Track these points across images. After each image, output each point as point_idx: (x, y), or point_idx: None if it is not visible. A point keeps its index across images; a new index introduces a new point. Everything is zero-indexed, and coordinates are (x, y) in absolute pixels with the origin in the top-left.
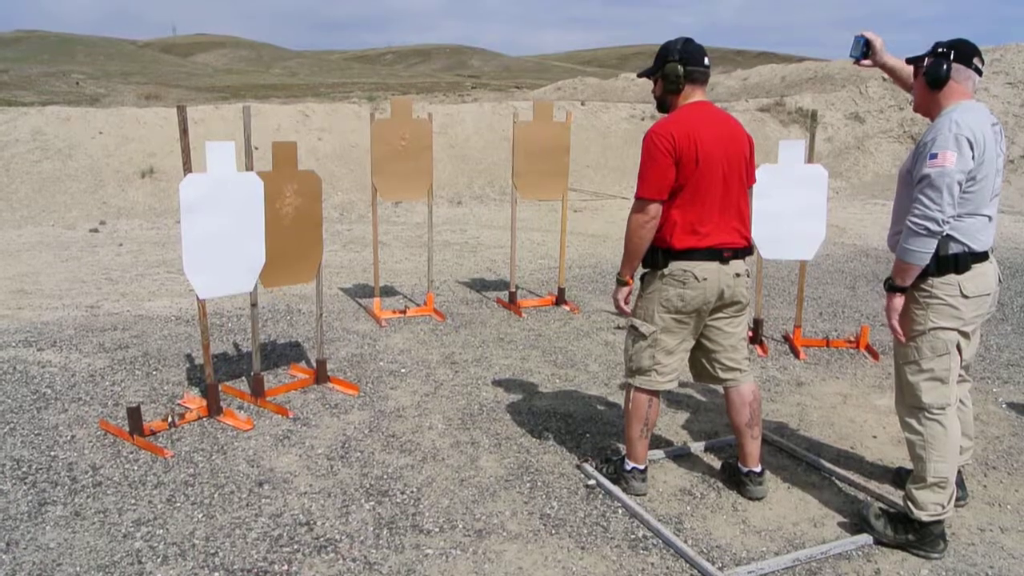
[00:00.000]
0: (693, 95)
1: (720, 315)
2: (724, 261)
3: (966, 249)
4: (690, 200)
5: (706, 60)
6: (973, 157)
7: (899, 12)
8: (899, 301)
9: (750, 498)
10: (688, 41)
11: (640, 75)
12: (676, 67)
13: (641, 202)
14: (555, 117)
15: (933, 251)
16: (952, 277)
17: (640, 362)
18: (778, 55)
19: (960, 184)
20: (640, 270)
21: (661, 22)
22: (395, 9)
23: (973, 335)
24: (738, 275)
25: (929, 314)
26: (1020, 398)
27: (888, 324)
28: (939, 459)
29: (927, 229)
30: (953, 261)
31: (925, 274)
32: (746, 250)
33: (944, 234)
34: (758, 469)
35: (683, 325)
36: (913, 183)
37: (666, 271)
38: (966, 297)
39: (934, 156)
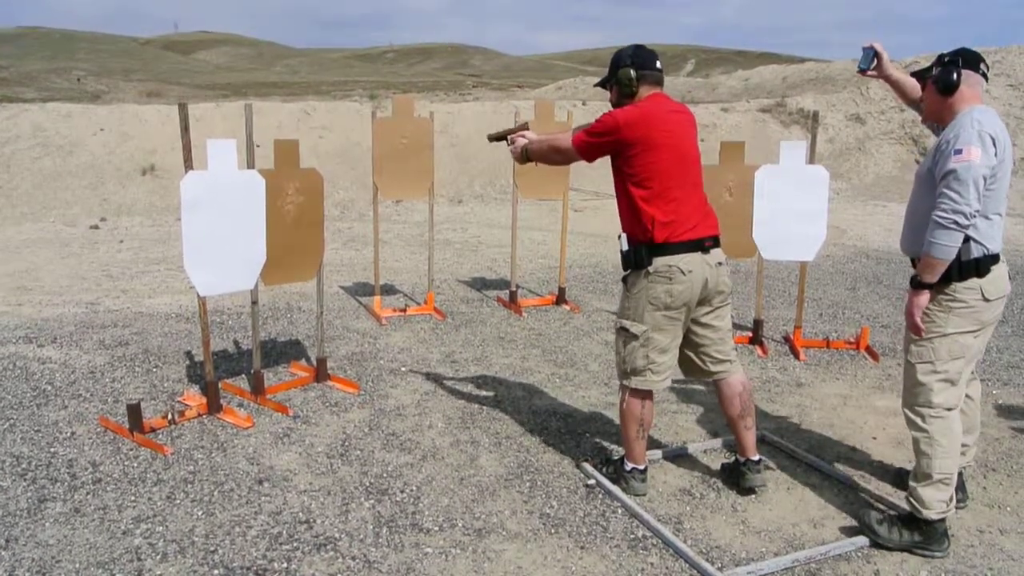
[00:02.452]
0: (651, 92)
1: (706, 308)
2: (705, 251)
3: (985, 252)
4: (666, 192)
5: (658, 63)
6: (996, 154)
7: (903, 14)
8: (924, 298)
9: (750, 487)
10: (639, 47)
11: (596, 85)
12: (628, 71)
13: (574, 147)
14: (556, 116)
15: (959, 245)
16: (975, 281)
17: (634, 363)
18: (780, 56)
19: (985, 179)
20: (623, 271)
21: (663, 23)
22: (397, 8)
23: (984, 334)
24: (720, 264)
25: (951, 317)
26: (1020, 400)
27: (909, 321)
28: (944, 455)
29: (955, 223)
30: (975, 265)
31: (948, 279)
32: (718, 238)
33: (970, 228)
34: (755, 458)
35: (674, 321)
36: (936, 181)
37: (651, 268)
38: (987, 301)
39: (959, 151)
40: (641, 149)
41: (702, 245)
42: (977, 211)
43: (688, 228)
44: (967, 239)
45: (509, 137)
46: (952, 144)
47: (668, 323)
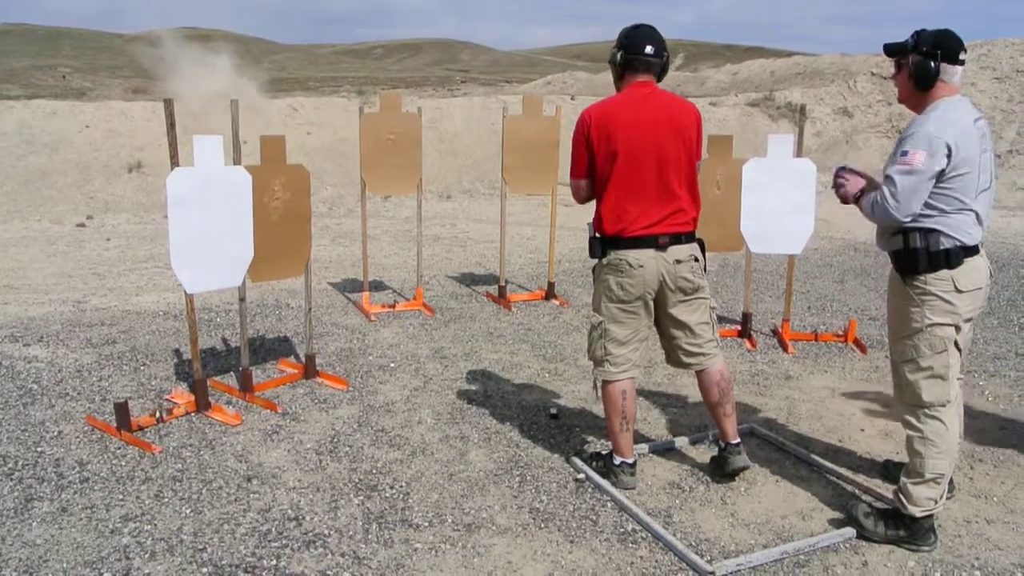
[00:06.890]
0: (636, 80)
1: (671, 303)
2: (661, 247)
3: (957, 243)
4: (619, 186)
5: (648, 48)
6: (949, 155)
7: (893, 9)
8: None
9: (734, 469)
10: (635, 28)
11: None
12: (615, 54)
13: (572, 182)
14: (544, 111)
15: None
16: (945, 272)
17: (594, 352)
18: (768, 50)
19: (927, 184)
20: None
21: (654, 18)
22: (387, 4)
23: (966, 330)
24: (679, 261)
25: (925, 311)
26: (1006, 391)
27: (836, 190)
28: (938, 455)
29: (885, 211)
30: (945, 256)
31: (918, 270)
32: (688, 235)
33: (906, 227)
34: (735, 441)
35: (630, 315)
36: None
37: (605, 260)
38: (960, 292)
39: (905, 154)
40: (600, 145)
41: (655, 242)
42: (911, 214)
43: (642, 225)
44: (935, 231)
45: None
46: (902, 145)
47: (624, 316)
